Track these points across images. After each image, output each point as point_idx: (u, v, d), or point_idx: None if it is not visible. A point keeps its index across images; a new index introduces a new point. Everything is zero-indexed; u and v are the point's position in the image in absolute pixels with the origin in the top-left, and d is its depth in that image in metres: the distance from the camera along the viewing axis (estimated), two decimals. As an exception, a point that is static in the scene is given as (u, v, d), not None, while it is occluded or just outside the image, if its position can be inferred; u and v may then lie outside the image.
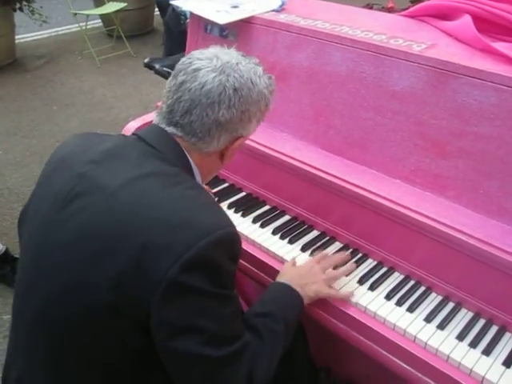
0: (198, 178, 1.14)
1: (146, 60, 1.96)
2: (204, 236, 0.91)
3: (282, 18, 1.61)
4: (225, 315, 0.96)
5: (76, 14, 4.90)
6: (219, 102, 1.05)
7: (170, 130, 1.09)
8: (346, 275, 1.31)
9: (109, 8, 5.14)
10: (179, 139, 1.09)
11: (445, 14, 1.50)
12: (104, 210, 0.97)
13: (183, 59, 1.11)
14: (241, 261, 1.45)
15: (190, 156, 1.10)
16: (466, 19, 1.37)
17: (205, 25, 1.77)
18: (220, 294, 0.95)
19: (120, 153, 1.06)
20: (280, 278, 1.25)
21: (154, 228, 0.92)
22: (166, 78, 1.87)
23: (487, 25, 1.38)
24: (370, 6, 3.48)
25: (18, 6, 4.77)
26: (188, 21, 1.88)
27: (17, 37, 5.21)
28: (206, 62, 1.07)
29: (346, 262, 1.33)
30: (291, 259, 1.35)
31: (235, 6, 1.75)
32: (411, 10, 1.62)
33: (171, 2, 1.99)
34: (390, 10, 3.22)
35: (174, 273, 0.89)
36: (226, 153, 1.14)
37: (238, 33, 1.69)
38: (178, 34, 2.42)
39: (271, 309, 1.13)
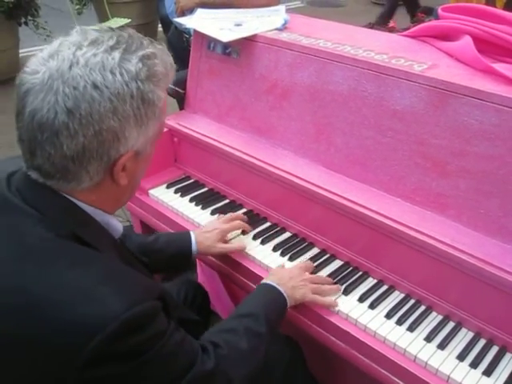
0: (103, 217, 0.93)
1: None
2: (92, 337, 0.76)
3: (285, 36, 1.63)
4: (155, 371, 0.84)
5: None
6: (56, 134, 0.80)
7: (34, 175, 0.86)
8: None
9: (113, 23, 5.15)
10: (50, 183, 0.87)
11: (446, 35, 1.52)
12: None
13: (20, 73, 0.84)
14: (240, 277, 1.46)
15: (75, 198, 0.88)
16: (467, 40, 1.39)
17: (208, 42, 1.79)
18: (140, 362, 0.82)
19: None
20: (267, 279, 1.26)
21: (39, 330, 0.78)
22: (168, 94, 1.90)
23: (487, 46, 1.39)
24: (371, 26, 3.52)
25: (22, 20, 4.82)
26: (191, 38, 1.90)
27: (21, 51, 5.24)
28: (36, 77, 0.81)
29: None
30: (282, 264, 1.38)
31: (238, 24, 1.77)
32: (412, 30, 1.64)
33: (174, 20, 2.01)
34: (391, 30, 3.25)
35: (76, 372, 0.77)
36: (115, 177, 0.89)
37: (240, 50, 1.70)
38: (181, 50, 2.44)
39: (253, 309, 1.14)
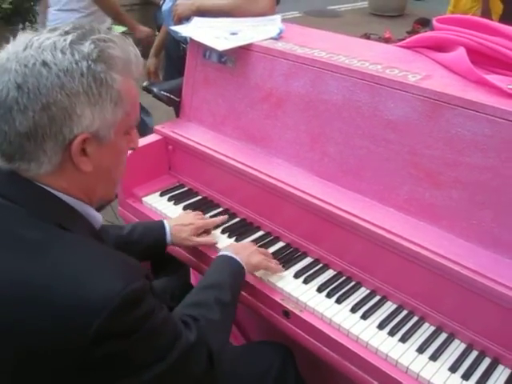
0: (82, 207, 0.95)
1: (145, 83, 1.97)
2: (96, 315, 0.79)
3: (280, 45, 1.64)
4: (147, 345, 0.89)
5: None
6: (9, 110, 0.83)
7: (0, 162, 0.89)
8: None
9: (111, 31, 5.20)
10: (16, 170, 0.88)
11: (440, 46, 1.53)
12: None
13: None
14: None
15: (45, 185, 0.89)
16: (461, 51, 1.39)
17: (204, 51, 1.79)
18: (136, 338, 0.86)
19: None
20: (224, 250, 1.37)
21: (42, 321, 0.80)
22: (164, 102, 1.90)
23: (481, 57, 1.39)
24: (367, 36, 3.54)
25: (20, 26, 4.83)
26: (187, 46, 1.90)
27: (18, 57, 5.26)
28: None
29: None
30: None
31: (234, 33, 1.77)
32: (407, 41, 1.64)
33: (170, 28, 2.01)
34: (387, 41, 3.27)
35: (82, 354, 0.80)
36: (75, 161, 0.88)
37: (236, 59, 1.70)
38: (177, 59, 2.44)
39: (218, 280, 1.23)
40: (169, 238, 1.47)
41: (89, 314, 0.79)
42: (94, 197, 0.99)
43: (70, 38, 0.85)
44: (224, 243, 1.53)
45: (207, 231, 1.57)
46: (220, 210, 1.70)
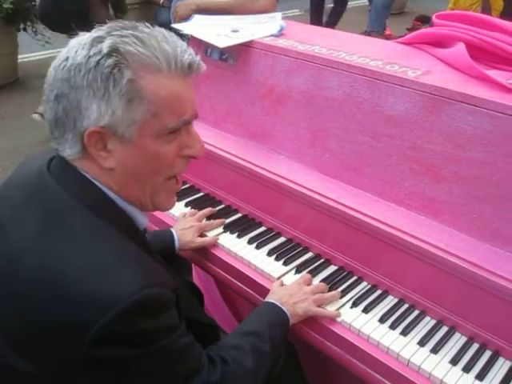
0: (126, 206, 0.96)
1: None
2: (106, 311, 0.78)
3: (281, 42, 1.64)
4: (161, 367, 0.86)
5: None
6: (46, 101, 0.92)
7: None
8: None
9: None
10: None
11: (440, 42, 1.53)
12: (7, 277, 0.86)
13: None
14: (235, 281, 1.46)
15: (83, 170, 0.92)
16: (461, 47, 1.40)
17: (205, 48, 1.80)
18: (147, 352, 0.84)
19: (30, 198, 0.92)
20: (269, 298, 1.27)
21: (55, 306, 0.80)
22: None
23: (481, 53, 1.40)
24: (367, 34, 3.54)
25: (21, 26, 4.84)
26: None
27: (20, 56, 5.26)
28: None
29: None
30: (279, 280, 1.38)
31: (235, 31, 1.78)
32: (407, 37, 1.65)
33: (172, 26, 2.02)
34: (387, 38, 3.28)
35: (84, 350, 0.79)
36: (92, 154, 0.90)
37: (237, 56, 1.71)
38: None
39: (258, 328, 1.14)
40: (177, 244, 1.49)
41: (95, 310, 0.78)
42: (131, 196, 0.96)
43: (95, 34, 0.88)
44: (226, 239, 1.54)
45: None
46: (222, 206, 1.71)
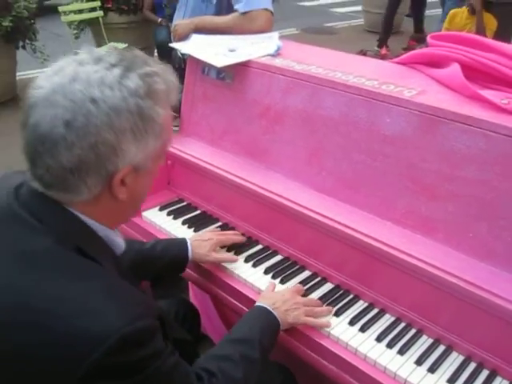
0: (105, 233, 0.94)
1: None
2: (94, 349, 0.77)
3: (278, 62, 1.66)
4: (154, 380, 0.86)
5: (78, 53, 4.99)
6: (55, 146, 0.82)
7: (36, 185, 0.88)
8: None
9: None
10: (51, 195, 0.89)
11: (435, 62, 1.55)
12: None
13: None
14: (231, 299, 1.46)
15: (76, 210, 0.89)
16: (455, 67, 1.42)
17: (202, 67, 1.82)
18: (138, 380, 0.83)
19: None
20: (261, 301, 1.27)
21: (42, 346, 0.79)
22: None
23: (475, 73, 1.42)
24: (363, 53, 3.57)
25: (20, 44, 4.88)
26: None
27: (18, 74, 5.29)
28: (39, 92, 0.84)
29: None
30: (271, 284, 1.39)
31: (232, 50, 1.80)
32: (403, 57, 1.67)
33: (170, 44, 2.04)
34: (383, 57, 3.31)
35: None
36: (114, 192, 0.89)
37: (234, 75, 1.73)
38: (180, 69, 2.47)
39: (249, 335, 1.14)
40: (190, 253, 1.46)
41: (84, 347, 0.77)
42: (122, 221, 1.00)
43: (117, 72, 0.84)
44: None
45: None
46: (219, 224, 1.71)
